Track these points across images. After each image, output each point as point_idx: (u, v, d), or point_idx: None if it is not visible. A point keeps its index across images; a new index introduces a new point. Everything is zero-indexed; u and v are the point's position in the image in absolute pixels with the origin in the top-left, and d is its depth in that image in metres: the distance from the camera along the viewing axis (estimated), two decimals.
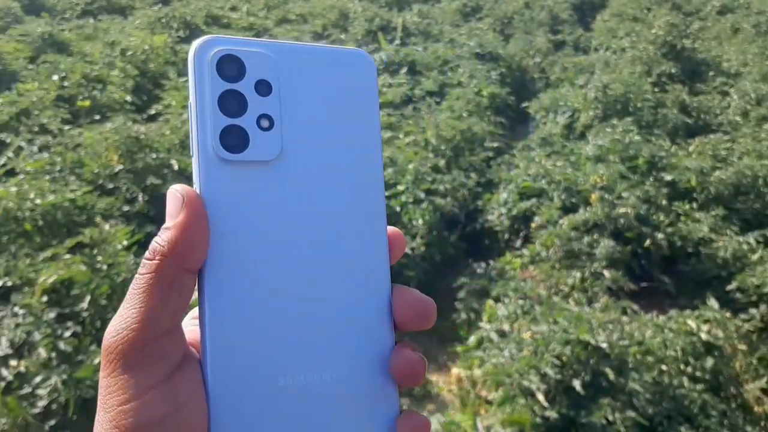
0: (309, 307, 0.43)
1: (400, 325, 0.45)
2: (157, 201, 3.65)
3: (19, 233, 2.96)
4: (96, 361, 2.41)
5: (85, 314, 2.57)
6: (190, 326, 0.44)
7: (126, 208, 3.45)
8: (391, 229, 0.47)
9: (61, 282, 2.63)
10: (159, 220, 3.54)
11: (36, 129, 4.13)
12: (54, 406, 2.39)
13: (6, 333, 2.57)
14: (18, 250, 2.85)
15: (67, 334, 2.50)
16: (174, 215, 0.39)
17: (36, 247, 2.94)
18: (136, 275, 0.39)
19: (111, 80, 5.14)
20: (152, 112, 4.92)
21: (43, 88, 4.69)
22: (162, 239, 0.39)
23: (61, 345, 2.44)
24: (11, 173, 3.72)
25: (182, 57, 6.36)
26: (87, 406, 2.38)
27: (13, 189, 3.13)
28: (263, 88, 0.43)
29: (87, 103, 4.65)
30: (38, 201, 3.07)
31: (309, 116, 0.44)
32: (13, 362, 2.50)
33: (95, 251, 2.71)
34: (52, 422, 2.39)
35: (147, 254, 0.39)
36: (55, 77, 4.90)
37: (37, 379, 2.42)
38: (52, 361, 2.45)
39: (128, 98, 4.98)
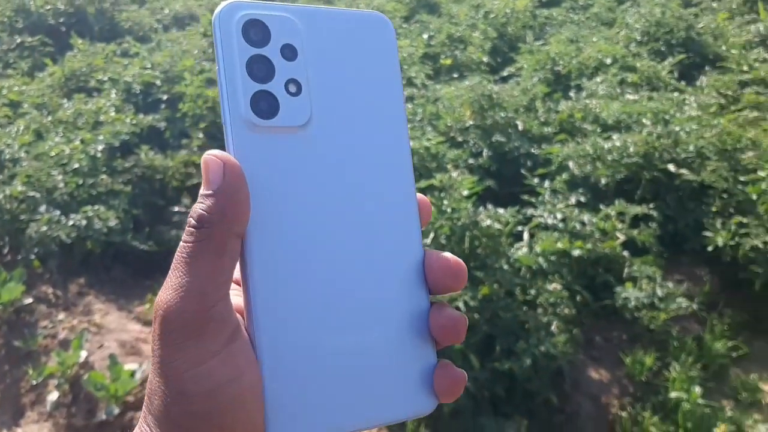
0: (346, 269, 0.43)
1: (434, 287, 0.45)
2: (500, 158, 3.83)
3: None
4: None
5: None
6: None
7: (471, 161, 3.69)
8: (418, 195, 0.47)
9: None
10: (499, 175, 3.72)
11: (404, 82, 4.61)
12: None
13: None
14: None
15: None
16: (215, 182, 0.39)
17: None
18: (184, 244, 0.39)
19: (472, 41, 5.45)
20: (505, 73, 5.11)
21: (412, 46, 5.19)
22: (208, 206, 0.38)
23: None
24: None
25: (540, 22, 6.43)
26: None
27: None
28: (289, 52, 0.43)
29: (449, 61, 5.02)
30: None
31: (334, 80, 0.44)
32: None
33: (442, 194, 2.97)
34: None
35: (193, 222, 0.38)
36: (425, 36, 5.37)
37: None
38: None
39: (485, 59, 5.24)
